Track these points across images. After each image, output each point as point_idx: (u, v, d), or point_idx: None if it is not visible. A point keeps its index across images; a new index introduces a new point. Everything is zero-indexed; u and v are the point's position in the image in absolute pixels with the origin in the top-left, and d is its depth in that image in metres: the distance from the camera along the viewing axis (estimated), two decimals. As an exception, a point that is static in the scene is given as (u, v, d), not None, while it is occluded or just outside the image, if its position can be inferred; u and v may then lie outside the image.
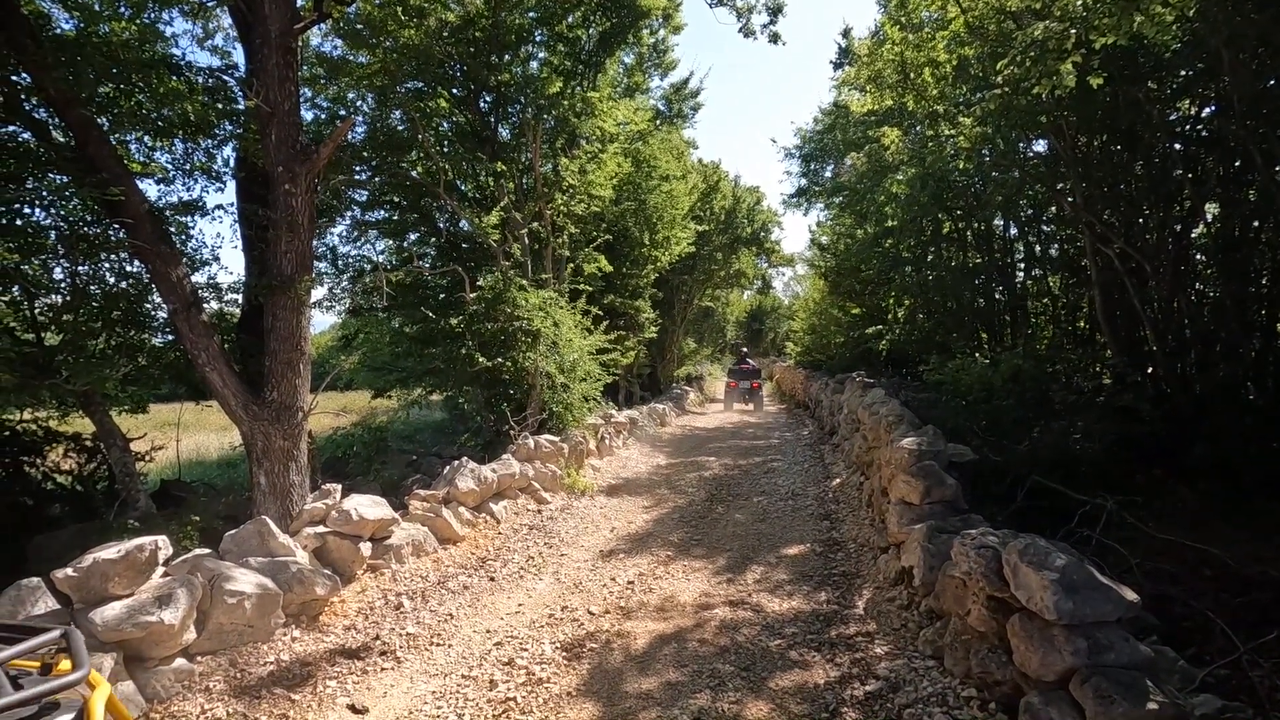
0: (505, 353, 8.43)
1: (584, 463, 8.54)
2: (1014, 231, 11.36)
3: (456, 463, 6.54)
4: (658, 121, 13.98)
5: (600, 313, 10.27)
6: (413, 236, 11.46)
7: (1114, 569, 3.87)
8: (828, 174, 19.57)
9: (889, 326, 13.99)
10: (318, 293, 10.50)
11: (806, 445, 11.92)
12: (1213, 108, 7.10)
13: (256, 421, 5.04)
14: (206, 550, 4.11)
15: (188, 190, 6.59)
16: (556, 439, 7.98)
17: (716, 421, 16.73)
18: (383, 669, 3.64)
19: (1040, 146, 8.73)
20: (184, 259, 5.19)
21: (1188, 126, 7.43)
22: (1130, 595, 2.58)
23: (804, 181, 20.14)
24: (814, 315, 24.86)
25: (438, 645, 3.92)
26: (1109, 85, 6.24)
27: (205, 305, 5.89)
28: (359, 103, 9.91)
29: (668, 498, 7.70)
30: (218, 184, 7.03)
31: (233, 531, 4.36)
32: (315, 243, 9.54)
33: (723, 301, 32.85)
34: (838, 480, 8.48)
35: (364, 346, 8.78)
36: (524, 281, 8.28)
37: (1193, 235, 7.80)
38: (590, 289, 12.72)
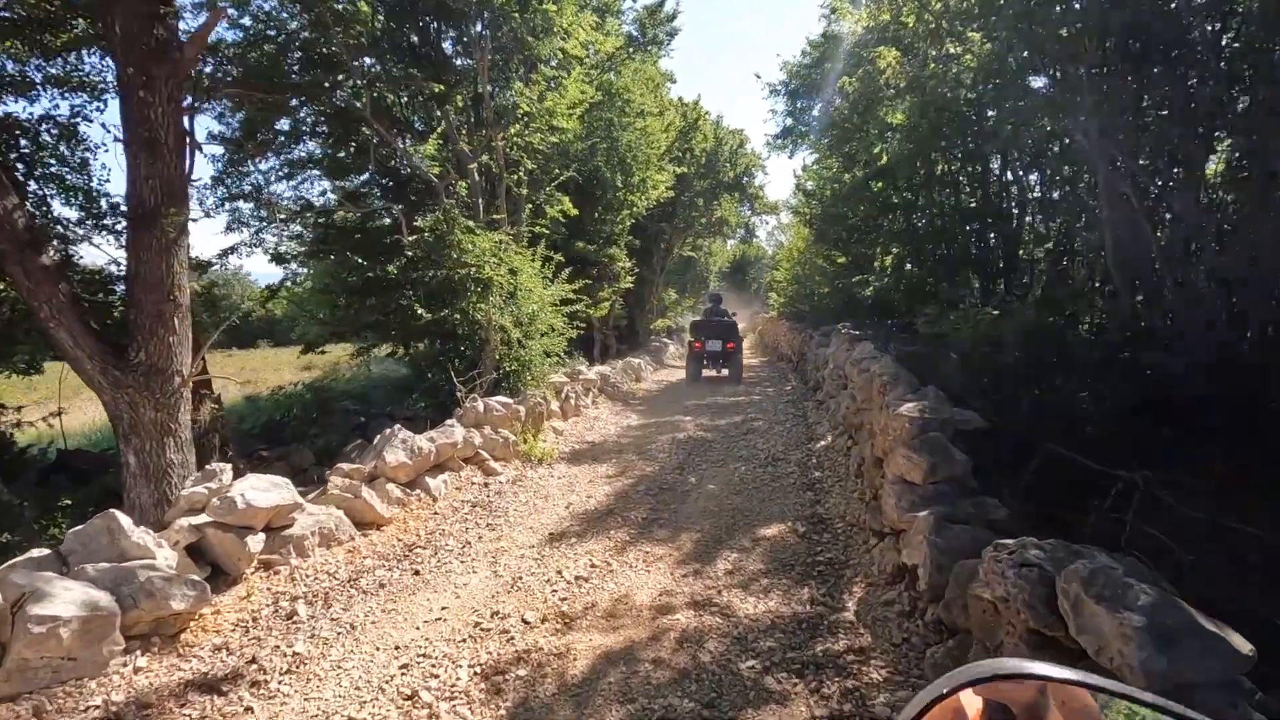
0: (454, 304, 7.50)
1: (544, 426, 7.73)
2: (1016, 173, 10.47)
3: (388, 431, 5.69)
4: (630, 49, 12.71)
5: (561, 260, 9.28)
6: (362, 177, 10.29)
7: (1159, 564, 3.16)
8: (815, 113, 18.38)
9: (875, 275, 13.19)
10: (237, 236, 9.32)
11: (789, 403, 11.21)
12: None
13: (120, 389, 4.11)
14: (34, 554, 3.26)
15: (54, 105, 5.47)
16: (511, 401, 7.13)
17: (695, 376, 15.95)
18: (246, 708, 2.85)
19: (1039, 83, 7.76)
20: (12, 188, 4.13)
21: (1222, 44, 6.51)
22: (1243, 646, 1.82)
23: (790, 121, 18.92)
24: (798, 264, 24.00)
25: (329, 671, 3.13)
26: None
27: (75, 249, 4.89)
28: (290, 21, 8.61)
29: (635, 465, 6.93)
30: (97, 101, 5.89)
31: (78, 528, 3.49)
32: (240, 180, 8.43)
33: (705, 251, 31.84)
34: (823, 443, 7.77)
35: (294, 297, 7.77)
36: (471, 223, 7.27)
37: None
38: (556, 235, 11.71)
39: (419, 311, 6.66)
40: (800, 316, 20.31)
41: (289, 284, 7.83)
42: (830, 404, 9.18)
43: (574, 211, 10.30)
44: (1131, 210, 7.08)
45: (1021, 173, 10.07)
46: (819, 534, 4.84)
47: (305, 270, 9.32)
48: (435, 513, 5.32)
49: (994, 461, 4.86)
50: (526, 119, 8.12)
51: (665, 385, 14.02)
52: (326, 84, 6.92)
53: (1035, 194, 10.08)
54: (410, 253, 6.94)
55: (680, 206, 20.75)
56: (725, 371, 13.65)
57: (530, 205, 9.04)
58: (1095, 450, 4.64)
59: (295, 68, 7.06)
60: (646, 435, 8.48)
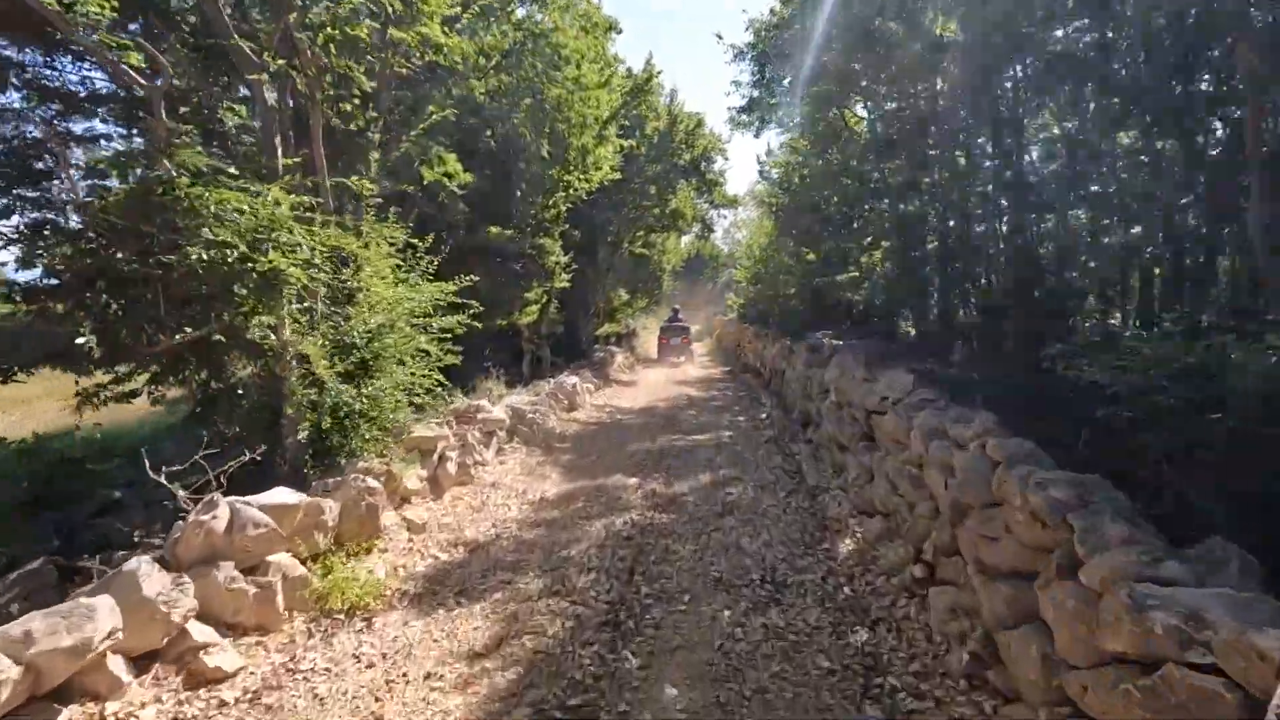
0: (218, 317, 4.19)
1: (379, 526, 4.47)
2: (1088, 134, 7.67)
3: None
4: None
5: (424, 245, 5.90)
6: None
7: None
8: (786, 83, 15.58)
9: (864, 273, 10.46)
10: None
11: (770, 444, 8.22)
12: None
13: None
14: None
15: None
16: (296, 500, 3.86)
17: (648, 397, 12.86)
18: None
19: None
20: None
21: None
22: None
23: (756, 92, 16.01)
24: (760, 261, 21.41)
25: None
26: None
27: None
28: None
29: (530, 612, 3.76)
30: None
31: None
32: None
33: (658, 249, 29.01)
34: (848, 543, 4.76)
35: None
36: (231, 169, 3.97)
37: None
38: (456, 217, 8.46)
39: (82, 337, 3.34)
40: (764, 319, 17.67)
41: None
42: (845, 461, 6.18)
43: (466, 176, 7.05)
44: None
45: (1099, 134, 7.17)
46: None
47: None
48: None
49: None
50: (356, 6, 4.84)
51: (608, 412, 10.86)
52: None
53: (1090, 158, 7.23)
54: (103, 216, 3.59)
55: (629, 193, 17.73)
56: (682, 358, 20.92)
57: (378, 156, 5.72)
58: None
59: None
60: (565, 523, 5.31)
